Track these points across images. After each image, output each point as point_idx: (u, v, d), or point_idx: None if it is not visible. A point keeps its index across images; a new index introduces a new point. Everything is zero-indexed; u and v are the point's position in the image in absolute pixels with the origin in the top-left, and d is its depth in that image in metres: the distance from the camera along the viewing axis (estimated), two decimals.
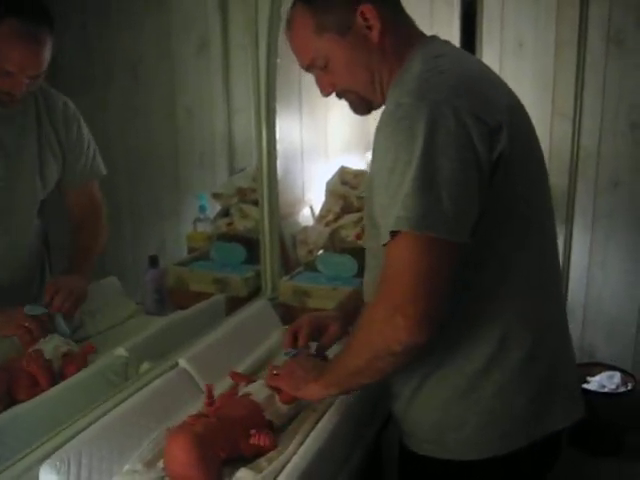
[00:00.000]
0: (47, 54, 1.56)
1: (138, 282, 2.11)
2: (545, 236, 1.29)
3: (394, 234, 1.07)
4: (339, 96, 1.31)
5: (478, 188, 1.09)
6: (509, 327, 1.20)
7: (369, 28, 1.21)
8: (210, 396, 1.35)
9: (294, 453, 1.20)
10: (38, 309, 1.59)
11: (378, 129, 1.17)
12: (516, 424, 1.23)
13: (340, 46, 1.22)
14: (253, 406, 1.28)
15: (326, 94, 1.31)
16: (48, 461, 1.12)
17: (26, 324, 1.55)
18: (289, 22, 1.29)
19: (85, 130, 1.85)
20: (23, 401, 1.35)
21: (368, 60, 1.23)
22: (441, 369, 1.22)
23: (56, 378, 1.45)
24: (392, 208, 1.06)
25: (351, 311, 1.47)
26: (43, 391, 1.39)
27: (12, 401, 1.37)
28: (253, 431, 1.23)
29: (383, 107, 1.26)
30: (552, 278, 1.32)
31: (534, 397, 1.23)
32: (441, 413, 1.24)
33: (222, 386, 1.45)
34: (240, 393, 1.37)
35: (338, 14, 1.22)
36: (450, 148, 1.05)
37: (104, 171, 1.91)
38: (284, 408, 1.32)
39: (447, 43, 1.29)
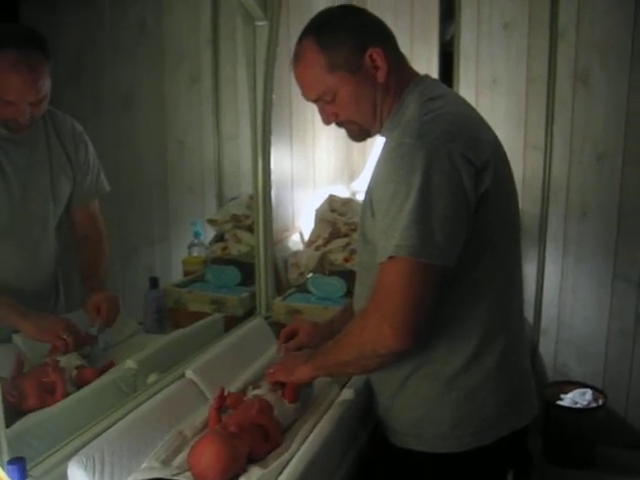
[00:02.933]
0: (45, 80, 1.59)
1: (133, 303, 2.21)
2: (514, 260, 1.43)
3: (391, 256, 1.20)
4: (339, 125, 1.43)
5: (465, 221, 1.23)
6: (484, 337, 1.34)
7: (375, 68, 1.33)
8: (221, 398, 1.39)
9: (297, 450, 1.32)
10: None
11: (381, 162, 1.30)
12: (486, 423, 1.36)
13: (350, 83, 1.33)
14: (265, 406, 1.38)
15: (328, 123, 1.42)
16: (75, 457, 1.22)
17: (64, 336, 1.60)
18: (298, 57, 1.38)
19: (91, 148, 1.91)
20: (31, 409, 1.41)
21: (373, 96, 1.35)
22: (423, 369, 1.35)
23: (67, 388, 1.51)
24: (390, 234, 1.20)
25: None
26: (54, 400, 1.45)
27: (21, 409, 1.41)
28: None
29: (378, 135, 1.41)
30: (518, 299, 1.46)
31: (503, 400, 1.37)
32: (421, 410, 1.38)
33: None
34: (250, 395, 1.47)
35: (348, 54, 1.32)
36: (443, 186, 1.19)
37: (108, 188, 1.98)
38: (290, 409, 1.43)
39: (438, 83, 1.43)
